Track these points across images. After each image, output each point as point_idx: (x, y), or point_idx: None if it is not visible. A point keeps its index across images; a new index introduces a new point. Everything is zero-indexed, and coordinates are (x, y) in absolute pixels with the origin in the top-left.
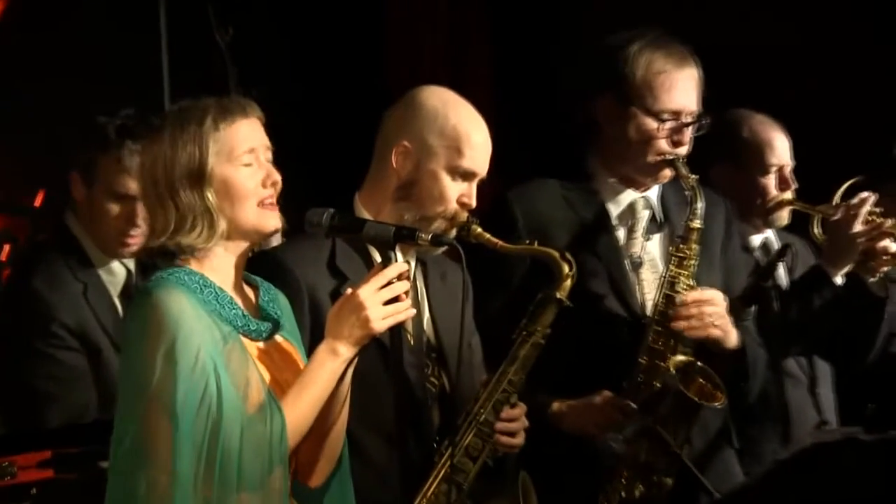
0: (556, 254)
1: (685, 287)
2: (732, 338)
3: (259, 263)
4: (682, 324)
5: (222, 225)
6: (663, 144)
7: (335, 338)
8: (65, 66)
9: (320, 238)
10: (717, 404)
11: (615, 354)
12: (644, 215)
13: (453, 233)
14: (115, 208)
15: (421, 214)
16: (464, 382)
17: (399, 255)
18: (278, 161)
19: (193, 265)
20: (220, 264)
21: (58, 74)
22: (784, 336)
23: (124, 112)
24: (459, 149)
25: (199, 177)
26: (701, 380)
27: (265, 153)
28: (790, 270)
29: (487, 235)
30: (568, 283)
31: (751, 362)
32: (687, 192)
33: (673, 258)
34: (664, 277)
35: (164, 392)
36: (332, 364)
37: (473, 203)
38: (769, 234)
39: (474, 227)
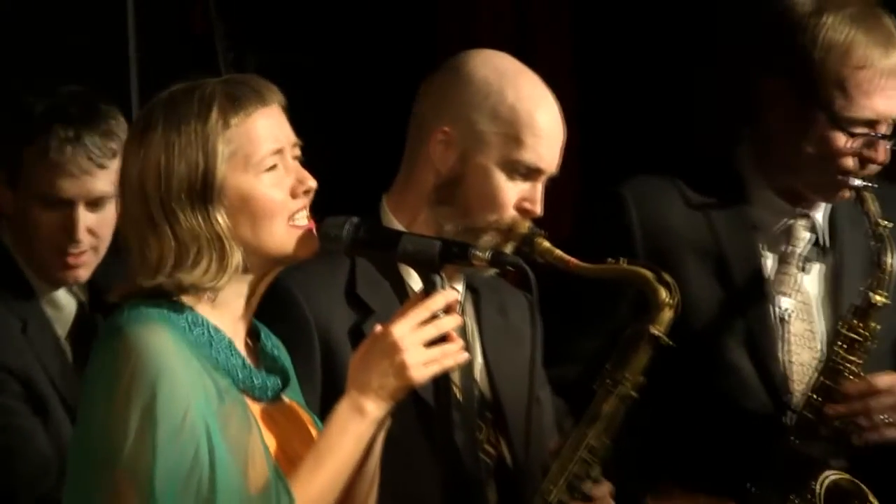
0: (651, 274)
1: (852, 375)
2: None
3: None
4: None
5: (237, 256)
6: (849, 161)
7: (361, 391)
8: None
9: (335, 258)
10: None
11: (741, 441)
12: (804, 240)
13: (510, 248)
14: (48, 218)
15: (466, 223)
16: (530, 451)
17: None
18: None
19: (185, 298)
20: (223, 297)
21: None
22: None
23: (65, 88)
24: (519, 137)
25: (204, 192)
26: (856, 502)
27: (292, 151)
28: None
29: (557, 252)
30: (667, 313)
31: None
32: (873, 244)
33: (841, 338)
34: (825, 363)
35: (138, 463)
36: (357, 427)
37: (538, 210)
38: (815, 210)
39: (539, 240)
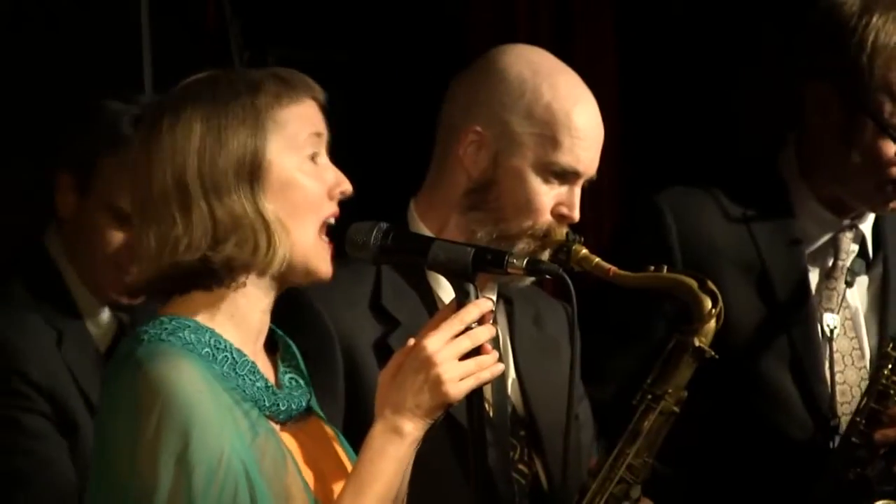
0: (694, 283)
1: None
2: None
3: (274, 304)
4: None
5: (285, 247)
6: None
7: (396, 411)
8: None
9: (359, 267)
10: None
11: (784, 466)
12: (850, 253)
13: (546, 255)
14: (117, 234)
15: (500, 230)
16: (570, 471)
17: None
18: None
19: (189, 308)
20: (243, 312)
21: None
22: None
23: (145, 99)
24: (555, 138)
25: (252, 171)
26: None
27: (326, 150)
28: None
29: (596, 259)
30: (711, 325)
31: None
32: None
33: (888, 359)
34: (871, 385)
35: None
36: (396, 450)
37: (576, 215)
38: (861, 221)
39: (577, 247)
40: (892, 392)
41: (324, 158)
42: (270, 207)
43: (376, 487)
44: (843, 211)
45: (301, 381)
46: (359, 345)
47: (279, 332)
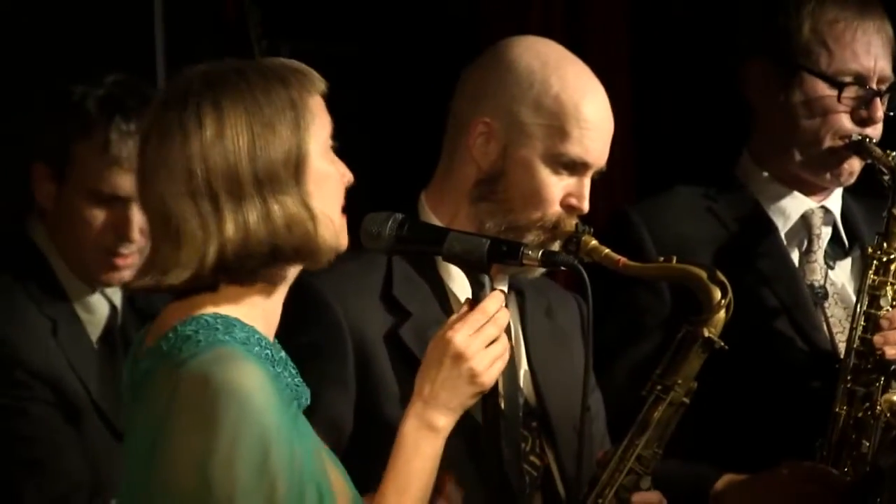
0: (704, 273)
1: (892, 302)
2: None
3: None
4: (892, 348)
5: (332, 236)
6: (845, 121)
7: (428, 405)
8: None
9: (370, 258)
10: None
11: (799, 410)
12: (824, 233)
13: (556, 246)
14: (98, 215)
15: (509, 221)
16: (581, 463)
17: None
18: None
19: (224, 305)
20: (271, 304)
21: None
22: None
23: (111, 78)
24: (564, 128)
25: (298, 166)
26: None
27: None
28: None
29: (606, 250)
30: (721, 315)
31: None
32: (884, 177)
33: (872, 262)
34: (862, 291)
35: None
36: (431, 445)
37: (585, 206)
38: (829, 201)
39: (587, 238)
40: (880, 294)
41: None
42: (314, 198)
43: (416, 487)
44: (806, 188)
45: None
46: (369, 335)
47: None
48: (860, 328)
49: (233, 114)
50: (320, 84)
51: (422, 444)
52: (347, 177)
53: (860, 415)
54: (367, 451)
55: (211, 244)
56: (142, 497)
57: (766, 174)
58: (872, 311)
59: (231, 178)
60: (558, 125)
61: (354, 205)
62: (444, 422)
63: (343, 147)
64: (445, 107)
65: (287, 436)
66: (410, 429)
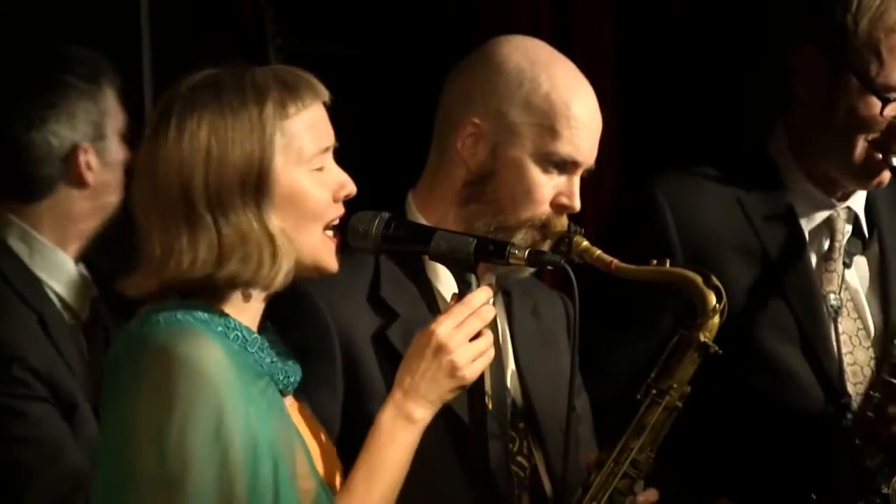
0: (699, 278)
1: None
2: None
3: (272, 296)
4: None
5: (289, 261)
6: (881, 134)
7: (407, 396)
8: None
9: (358, 258)
10: None
11: (799, 447)
12: (846, 233)
13: (546, 246)
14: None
15: (499, 221)
16: (568, 464)
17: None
18: None
19: (193, 300)
20: (246, 301)
21: None
22: None
23: (73, 52)
24: (554, 128)
25: (257, 186)
26: None
27: (331, 153)
28: None
29: (597, 251)
30: (715, 320)
31: None
32: None
33: None
34: (885, 358)
35: (219, 485)
36: (407, 436)
37: (576, 205)
38: (854, 200)
39: (578, 238)
40: None
41: (330, 163)
42: (276, 220)
43: (387, 475)
44: (834, 189)
45: (289, 351)
46: (357, 336)
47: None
48: (878, 381)
49: (195, 131)
50: (315, 95)
51: (397, 433)
52: (345, 191)
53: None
54: (354, 451)
55: (170, 260)
56: (104, 466)
57: (797, 164)
58: (890, 378)
59: (186, 196)
60: (548, 124)
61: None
62: (422, 413)
63: (340, 143)
64: (433, 106)
65: (244, 409)
66: (387, 418)
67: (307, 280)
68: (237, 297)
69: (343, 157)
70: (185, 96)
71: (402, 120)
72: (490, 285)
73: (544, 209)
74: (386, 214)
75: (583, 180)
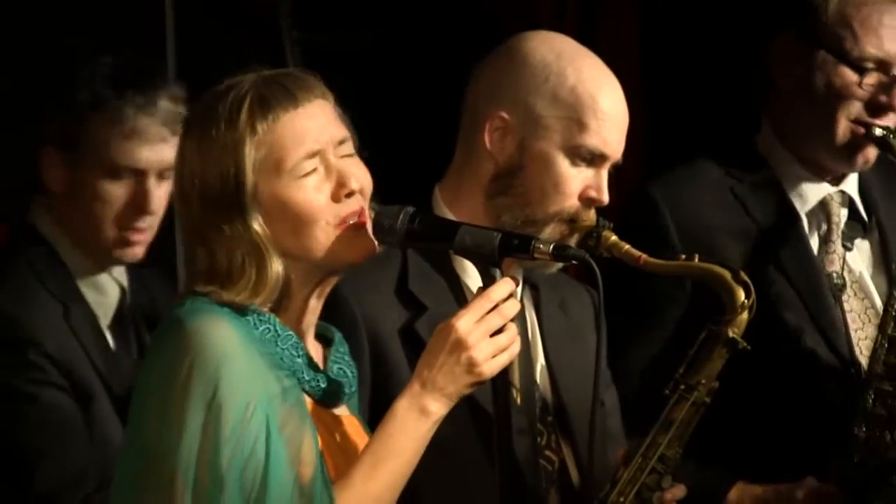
0: (727, 273)
1: None
2: None
3: None
4: None
5: (276, 267)
6: (862, 108)
7: (425, 388)
8: None
9: (386, 251)
10: None
11: (817, 420)
12: (842, 216)
13: (575, 240)
14: (115, 190)
15: (527, 215)
16: (596, 458)
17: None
18: None
19: (245, 295)
20: (285, 298)
21: None
22: None
23: (112, 58)
24: (581, 121)
25: (237, 201)
26: None
27: (337, 150)
28: None
29: (626, 246)
30: (744, 316)
31: None
32: None
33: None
34: (886, 313)
35: (198, 458)
36: (418, 428)
37: (604, 198)
38: (847, 184)
39: (606, 233)
40: None
41: (328, 163)
42: (264, 230)
43: (393, 463)
44: (824, 173)
45: (349, 374)
46: (384, 329)
47: (333, 328)
48: (884, 350)
49: (192, 143)
50: (297, 101)
51: (409, 423)
52: (345, 189)
53: (884, 439)
54: None
55: (193, 261)
56: (125, 439)
57: (785, 152)
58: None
59: (187, 206)
60: (576, 117)
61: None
62: (437, 407)
63: (358, 138)
64: (457, 101)
65: (243, 382)
66: (402, 407)
67: None
68: (273, 298)
69: (367, 150)
70: (190, 114)
71: (426, 115)
72: (515, 279)
73: (572, 202)
74: (410, 209)
75: (608, 175)
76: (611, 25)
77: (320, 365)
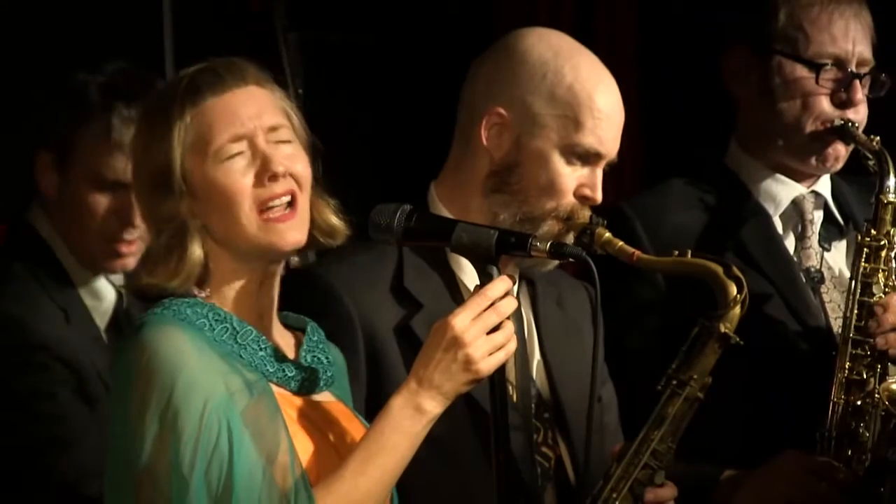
0: (720, 268)
1: (884, 288)
2: None
3: (294, 287)
4: (883, 339)
5: (196, 250)
6: (825, 105)
7: (421, 385)
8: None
9: (381, 249)
10: None
11: (797, 395)
12: (816, 217)
13: (570, 238)
14: (101, 201)
15: (523, 212)
16: (592, 453)
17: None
18: (328, 139)
19: (200, 295)
20: (238, 288)
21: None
22: None
23: (112, 66)
24: (578, 119)
25: (166, 184)
26: None
27: (269, 135)
28: None
29: (620, 243)
30: (736, 311)
31: None
32: (869, 162)
33: (863, 250)
34: (855, 280)
35: (158, 465)
36: (412, 426)
37: (598, 196)
38: (820, 185)
39: (600, 230)
40: (872, 281)
41: (256, 147)
42: (190, 212)
43: (385, 459)
44: (796, 175)
45: (324, 360)
46: (380, 327)
47: (306, 318)
48: (854, 316)
49: (137, 130)
50: (225, 86)
51: (404, 421)
52: (269, 172)
53: (859, 403)
54: None
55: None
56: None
57: (754, 162)
58: (866, 298)
59: (136, 190)
60: (572, 115)
61: (365, 196)
62: (433, 405)
63: (354, 137)
64: (452, 98)
65: (197, 387)
66: (397, 404)
67: (330, 270)
68: (221, 285)
69: (362, 148)
70: (138, 116)
71: (422, 111)
72: (511, 276)
73: (568, 200)
74: (407, 207)
75: (604, 174)
76: (608, 23)
77: (292, 354)
